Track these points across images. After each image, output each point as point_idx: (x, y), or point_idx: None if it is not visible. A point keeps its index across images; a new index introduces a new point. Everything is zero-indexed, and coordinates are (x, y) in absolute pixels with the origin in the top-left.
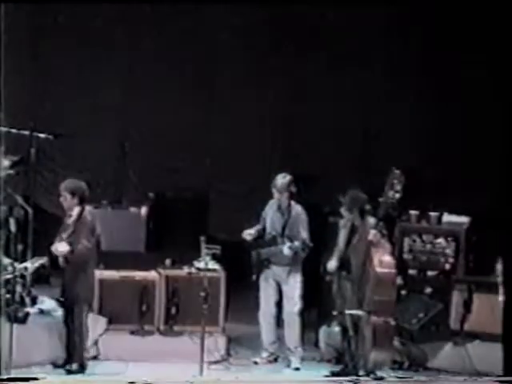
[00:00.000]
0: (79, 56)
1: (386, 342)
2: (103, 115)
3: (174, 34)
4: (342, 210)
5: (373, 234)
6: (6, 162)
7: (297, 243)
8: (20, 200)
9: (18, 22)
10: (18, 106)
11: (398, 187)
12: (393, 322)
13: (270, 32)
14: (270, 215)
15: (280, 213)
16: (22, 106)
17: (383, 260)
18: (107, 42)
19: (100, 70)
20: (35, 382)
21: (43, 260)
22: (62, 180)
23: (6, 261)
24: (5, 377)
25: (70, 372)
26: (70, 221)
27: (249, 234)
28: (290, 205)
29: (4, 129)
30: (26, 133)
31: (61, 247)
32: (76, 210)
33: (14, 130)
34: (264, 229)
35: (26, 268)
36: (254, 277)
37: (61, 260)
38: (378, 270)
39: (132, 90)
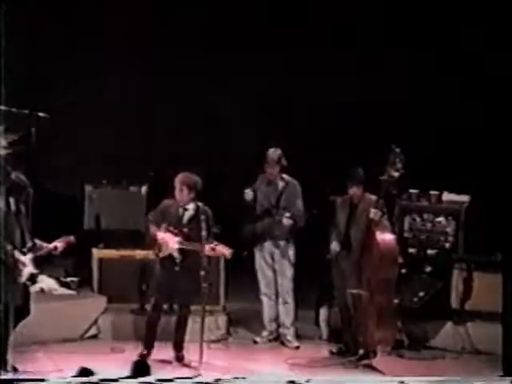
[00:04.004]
0: (80, 37)
1: (390, 321)
2: (103, 95)
3: (174, 21)
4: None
5: (374, 213)
6: (6, 141)
7: (295, 212)
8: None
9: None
10: (18, 85)
11: (399, 165)
12: (396, 301)
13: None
14: (262, 190)
15: (272, 186)
16: (22, 85)
17: (386, 238)
18: (108, 27)
19: (101, 48)
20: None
21: (70, 238)
22: (62, 159)
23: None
24: (11, 377)
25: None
26: (188, 215)
27: (248, 192)
28: (282, 178)
29: (4, 108)
30: (26, 112)
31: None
32: (192, 205)
33: (14, 109)
34: (255, 201)
35: (55, 247)
36: (245, 253)
37: (178, 255)
38: (382, 248)
39: (132, 71)
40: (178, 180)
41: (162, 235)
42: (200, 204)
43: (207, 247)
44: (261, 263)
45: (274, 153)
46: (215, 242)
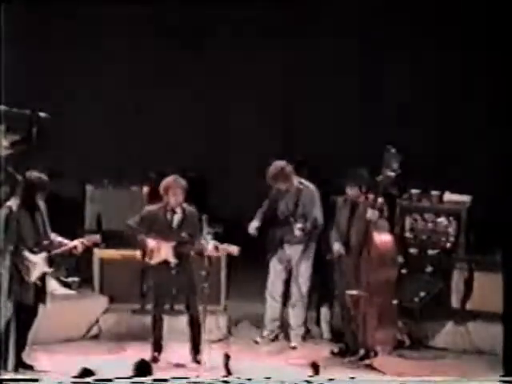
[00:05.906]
0: (79, 33)
1: (391, 321)
2: (103, 94)
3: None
4: (347, 189)
5: (371, 213)
6: (7, 141)
7: (308, 223)
8: (21, 179)
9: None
10: (18, 85)
11: (395, 166)
12: (395, 302)
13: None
14: (282, 195)
15: (290, 192)
16: (22, 84)
17: (383, 239)
18: (108, 23)
19: (100, 47)
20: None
21: (97, 238)
22: (62, 159)
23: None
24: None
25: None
26: (177, 218)
27: (255, 228)
28: (301, 183)
29: (4, 108)
30: (27, 112)
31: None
32: (179, 208)
33: (14, 109)
34: (275, 209)
35: (75, 247)
36: (269, 255)
37: (174, 260)
38: (379, 249)
39: (132, 68)
40: (170, 184)
41: (153, 243)
42: (185, 205)
43: (210, 247)
44: (275, 265)
45: (276, 168)
46: (215, 242)
